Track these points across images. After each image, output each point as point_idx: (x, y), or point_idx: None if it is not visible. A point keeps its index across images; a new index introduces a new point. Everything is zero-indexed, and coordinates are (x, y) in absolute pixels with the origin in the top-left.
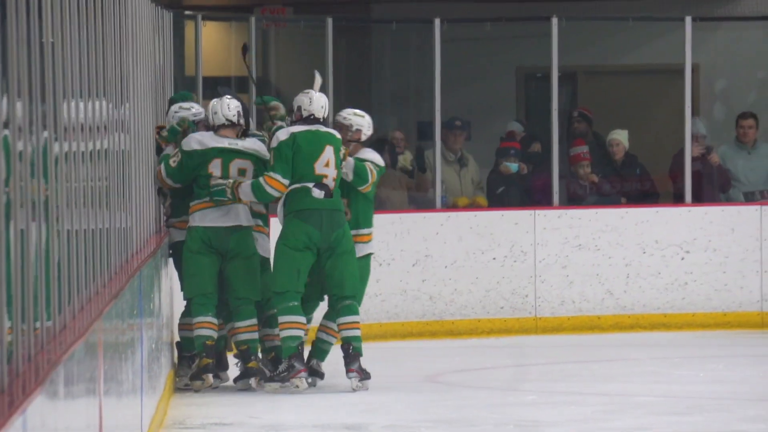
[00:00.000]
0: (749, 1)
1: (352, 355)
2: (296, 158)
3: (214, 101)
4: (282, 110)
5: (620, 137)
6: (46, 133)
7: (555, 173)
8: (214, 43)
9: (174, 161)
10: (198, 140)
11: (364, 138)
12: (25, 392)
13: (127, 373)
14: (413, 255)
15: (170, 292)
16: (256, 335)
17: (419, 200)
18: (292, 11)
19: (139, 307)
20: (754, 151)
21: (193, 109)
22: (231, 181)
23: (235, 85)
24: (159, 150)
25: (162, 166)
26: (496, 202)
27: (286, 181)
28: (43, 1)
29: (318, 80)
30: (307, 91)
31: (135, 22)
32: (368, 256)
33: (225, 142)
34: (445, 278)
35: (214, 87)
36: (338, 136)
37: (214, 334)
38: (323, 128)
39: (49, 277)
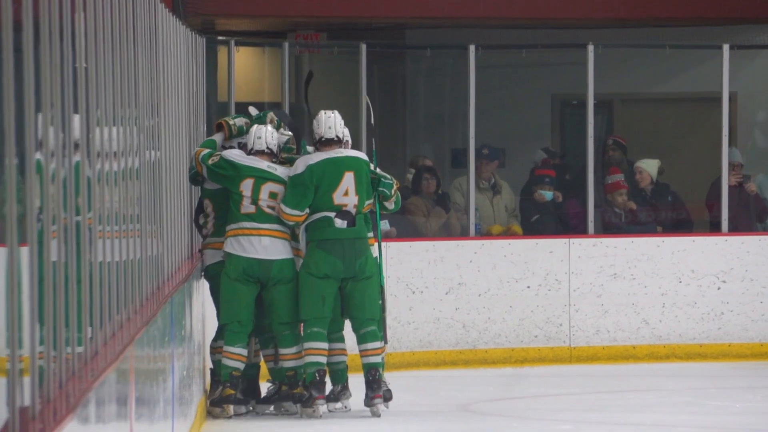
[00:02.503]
0: None
1: (378, 380)
2: (316, 190)
3: (260, 127)
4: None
5: (645, 165)
6: (78, 158)
7: (590, 201)
8: (247, 68)
9: (213, 161)
10: (239, 155)
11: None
12: (56, 419)
13: (158, 399)
14: (447, 283)
15: (202, 319)
16: (302, 362)
17: (454, 228)
18: (326, 37)
19: (170, 333)
20: None
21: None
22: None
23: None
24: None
25: (203, 150)
26: (530, 230)
27: (294, 212)
28: (76, 26)
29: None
30: (318, 115)
31: (168, 47)
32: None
33: (264, 165)
34: (479, 306)
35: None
36: (363, 157)
37: (242, 366)
38: (344, 152)
39: (80, 303)
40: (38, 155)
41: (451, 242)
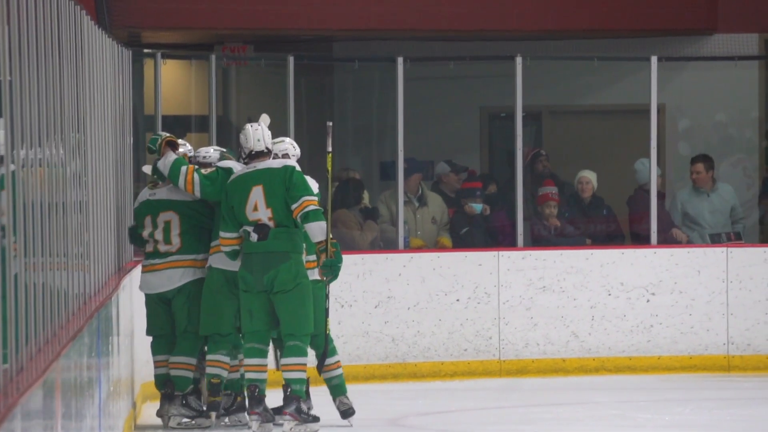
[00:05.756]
0: (716, 39)
1: (289, 397)
2: (232, 208)
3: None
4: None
5: (590, 176)
6: (2, 170)
7: (519, 214)
8: (173, 81)
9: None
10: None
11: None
12: None
13: (85, 414)
14: (375, 296)
15: (130, 334)
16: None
17: (384, 241)
18: (253, 49)
19: (97, 348)
20: (714, 193)
21: (187, 146)
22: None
23: (195, 125)
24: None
25: (196, 175)
26: (459, 243)
27: (226, 234)
28: (0, 38)
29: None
30: (244, 127)
31: (94, 59)
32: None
33: None
34: (408, 320)
35: (174, 126)
36: (277, 166)
37: (224, 373)
38: (259, 166)
39: (5, 317)
40: None
41: (379, 255)
